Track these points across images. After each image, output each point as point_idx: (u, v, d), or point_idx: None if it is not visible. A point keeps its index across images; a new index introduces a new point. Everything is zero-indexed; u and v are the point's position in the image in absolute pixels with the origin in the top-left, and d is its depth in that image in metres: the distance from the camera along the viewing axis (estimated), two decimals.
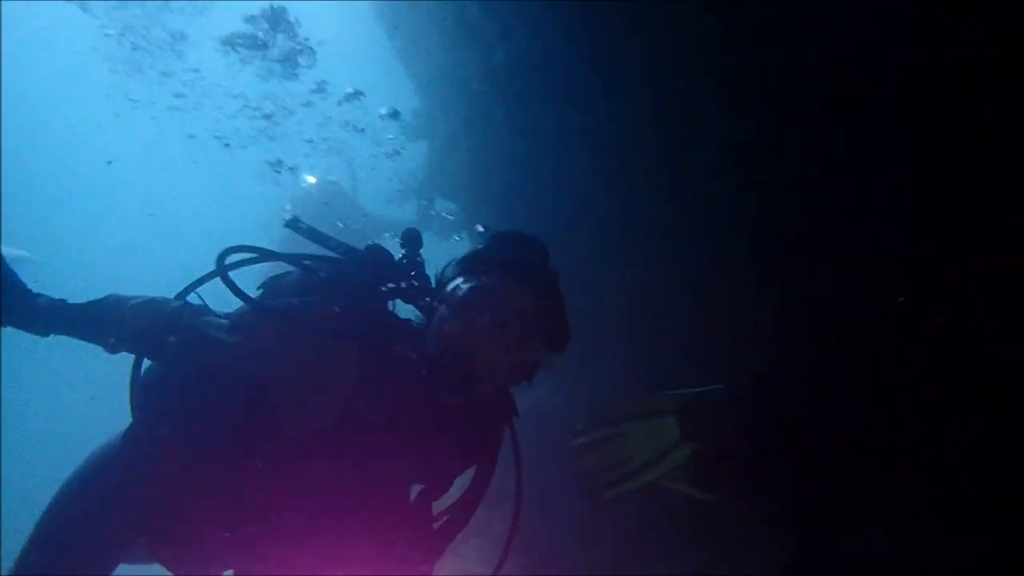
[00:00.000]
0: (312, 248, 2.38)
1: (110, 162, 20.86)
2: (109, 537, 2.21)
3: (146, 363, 2.25)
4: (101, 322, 2.12)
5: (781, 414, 3.38)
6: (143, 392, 2.20)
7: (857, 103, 3.17)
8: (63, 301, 2.16)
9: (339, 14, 11.93)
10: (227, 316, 2.18)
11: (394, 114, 8.82)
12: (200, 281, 2.26)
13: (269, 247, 2.30)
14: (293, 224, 2.44)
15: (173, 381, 2.18)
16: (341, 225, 9.43)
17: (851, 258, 3.32)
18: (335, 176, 10.97)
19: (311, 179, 10.80)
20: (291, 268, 2.34)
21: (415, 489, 2.25)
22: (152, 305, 2.16)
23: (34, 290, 2.13)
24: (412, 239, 2.39)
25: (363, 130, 10.72)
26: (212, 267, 2.15)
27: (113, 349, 2.16)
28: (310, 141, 11.58)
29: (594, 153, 5.06)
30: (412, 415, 2.10)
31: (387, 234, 9.75)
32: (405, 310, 2.33)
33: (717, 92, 3.91)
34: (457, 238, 8.63)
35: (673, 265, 4.49)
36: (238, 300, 2.15)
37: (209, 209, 23.66)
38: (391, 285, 2.27)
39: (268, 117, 11.15)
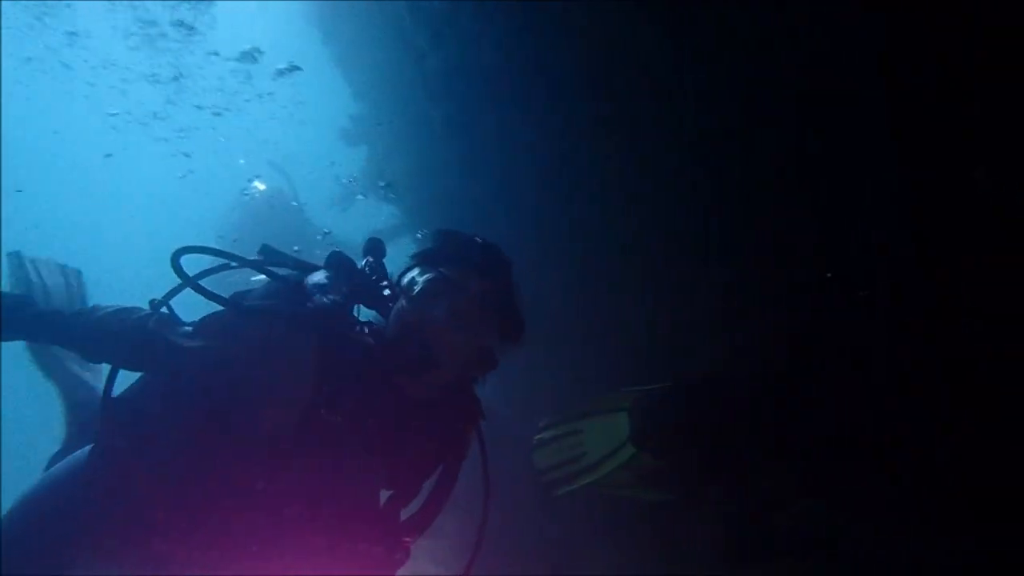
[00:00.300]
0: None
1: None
2: (62, 547, 2.18)
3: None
4: (75, 333, 2.17)
5: (725, 408, 3.50)
6: (109, 402, 2.19)
7: (796, 101, 3.29)
8: (54, 311, 2.22)
9: (274, 21, 11.81)
10: (192, 324, 2.18)
11: (291, 69, 8.73)
12: (175, 291, 2.25)
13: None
14: (266, 252, 2.42)
15: (139, 393, 2.18)
16: (297, 248, 9.31)
17: (799, 256, 3.43)
18: (276, 184, 10.85)
19: (260, 186, 10.63)
20: (255, 285, 2.33)
21: (384, 496, 2.24)
22: (120, 315, 2.19)
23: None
24: (375, 247, 2.41)
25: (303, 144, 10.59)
26: (164, 263, 2.17)
27: (90, 358, 2.21)
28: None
29: (534, 156, 5.12)
30: (375, 414, 2.11)
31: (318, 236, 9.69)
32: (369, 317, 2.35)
33: (655, 92, 3.99)
34: (362, 196, 8.54)
35: (615, 266, 4.58)
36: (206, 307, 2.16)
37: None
38: (353, 290, 2.28)
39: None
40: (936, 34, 2.77)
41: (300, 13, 9.31)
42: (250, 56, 9.76)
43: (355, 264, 2.37)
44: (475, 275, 2.19)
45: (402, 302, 2.17)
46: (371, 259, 2.39)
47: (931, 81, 2.85)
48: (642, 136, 4.20)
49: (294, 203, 10.48)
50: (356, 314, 2.30)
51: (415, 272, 2.19)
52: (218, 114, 11.44)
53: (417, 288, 2.15)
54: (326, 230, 9.62)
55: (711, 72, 3.65)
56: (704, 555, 3.75)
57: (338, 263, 2.33)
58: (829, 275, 3.21)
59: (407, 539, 2.19)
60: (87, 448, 2.28)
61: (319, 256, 2.43)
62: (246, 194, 10.49)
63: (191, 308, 2.23)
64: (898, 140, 3.05)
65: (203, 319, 2.17)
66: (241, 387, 2.04)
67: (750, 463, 3.40)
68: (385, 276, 2.36)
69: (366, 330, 2.21)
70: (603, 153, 4.51)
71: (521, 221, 5.26)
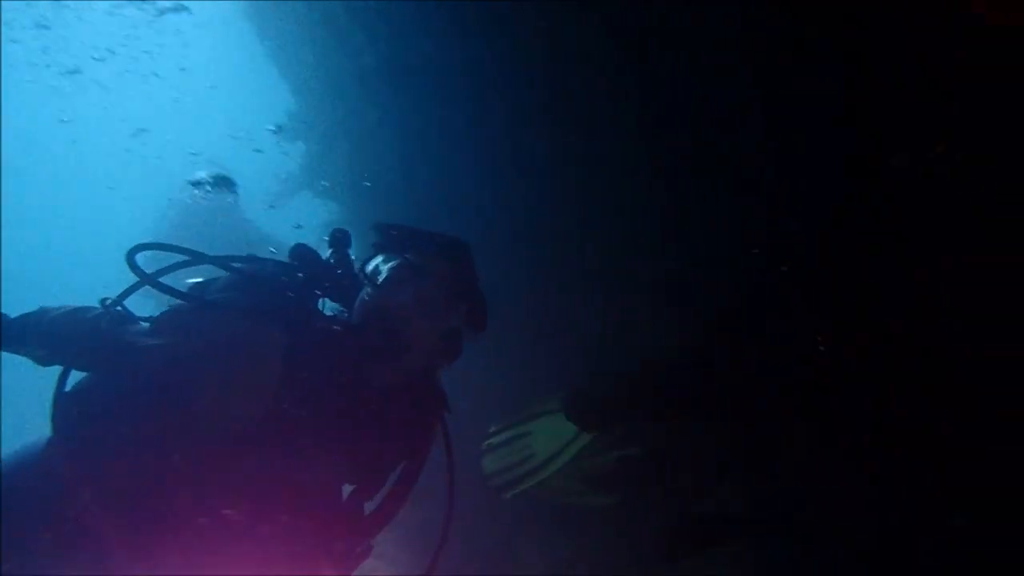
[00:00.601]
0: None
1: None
2: (13, 538, 2.13)
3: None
4: (27, 335, 2.10)
5: (651, 383, 3.61)
6: (63, 400, 2.13)
7: (744, 98, 3.39)
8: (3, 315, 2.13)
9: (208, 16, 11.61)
10: (149, 320, 2.14)
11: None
12: (131, 289, 2.21)
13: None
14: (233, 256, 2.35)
15: (92, 388, 2.13)
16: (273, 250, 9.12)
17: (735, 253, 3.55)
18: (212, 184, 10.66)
19: (202, 179, 10.42)
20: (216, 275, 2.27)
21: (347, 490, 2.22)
22: (73, 315, 2.13)
23: None
24: (340, 239, 2.37)
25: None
26: (119, 263, 2.14)
27: (42, 362, 2.12)
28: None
29: (474, 152, 5.16)
30: (340, 408, 2.09)
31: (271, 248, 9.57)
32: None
33: (594, 86, 4.06)
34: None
35: (558, 263, 4.66)
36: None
37: None
38: (319, 286, 2.25)
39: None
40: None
41: (236, 12, 9.19)
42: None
43: (319, 256, 2.33)
44: (439, 260, 2.20)
45: (368, 290, 2.17)
46: (336, 251, 2.35)
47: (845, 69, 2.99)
48: (581, 131, 4.29)
49: (230, 200, 10.33)
50: (321, 307, 2.27)
51: (379, 260, 2.19)
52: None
53: (382, 275, 2.16)
54: (298, 224, 9.47)
55: (649, 68, 3.75)
56: (645, 553, 3.83)
57: (302, 255, 2.29)
58: (755, 250, 3.32)
59: (369, 535, 2.17)
60: (45, 437, 2.20)
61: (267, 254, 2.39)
62: (197, 187, 10.26)
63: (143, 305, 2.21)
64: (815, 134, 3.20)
65: (162, 315, 2.13)
66: (203, 383, 2.00)
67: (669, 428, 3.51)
68: (350, 267, 2.33)
69: (333, 324, 2.18)
70: (545, 149, 4.58)
71: (464, 217, 5.30)
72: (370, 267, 2.19)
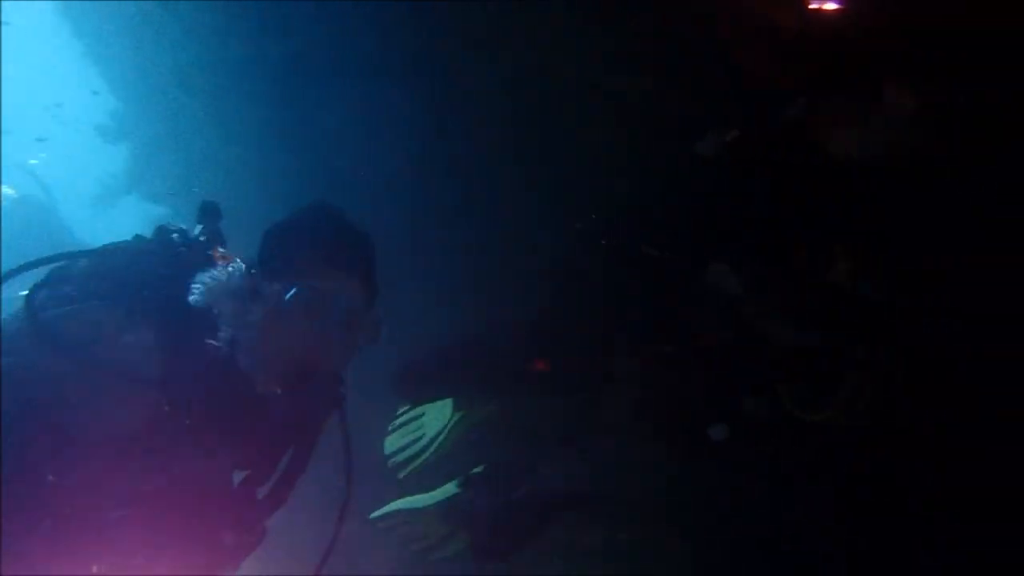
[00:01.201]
0: None
1: None
2: None
3: None
4: None
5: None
6: None
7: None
8: None
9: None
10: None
11: None
12: None
13: None
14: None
15: None
16: None
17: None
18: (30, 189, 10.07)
19: (10, 191, 9.78)
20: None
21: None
22: None
23: None
24: (210, 211, 2.23)
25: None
26: None
27: None
28: None
29: (301, 153, 5.18)
30: (225, 410, 2.00)
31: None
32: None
33: (402, 80, 4.20)
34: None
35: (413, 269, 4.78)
36: None
37: None
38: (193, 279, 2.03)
39: None
40: None
41: (50, 8, 8.76)
42: None
43: (188, 232, 2.18)
44: (341, 278, 2.09)
45: (267, 317, 2.02)
46: (206, 226, 2.21)
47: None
48: (404, 127, 4.40)
49: (46, 203, 9.81)
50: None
51: (277, 286, 2.04)
52: None
53: (285, 305, 2.02)
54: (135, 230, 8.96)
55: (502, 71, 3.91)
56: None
57: (165, 234, 2.15)
58: (578, 226, 3.42)
59: (260, 521, 2.14)
60: None
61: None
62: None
63: None
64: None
65: (6, 326, 1.93)
66: (75, 395, 1.86)
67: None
68: (223, 242, 2.19)
69: (217, 346, 2.00)
70: (372, 145, 4.70)
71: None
72: (268, 291, 2.03)
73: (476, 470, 3.55)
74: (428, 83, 4.09)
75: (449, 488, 3.54)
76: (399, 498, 3.58)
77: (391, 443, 3.70)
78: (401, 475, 3.63)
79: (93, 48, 7.76)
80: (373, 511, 3.54)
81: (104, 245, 2.15)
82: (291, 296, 2.01)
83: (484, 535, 3.48)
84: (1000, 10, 2.37)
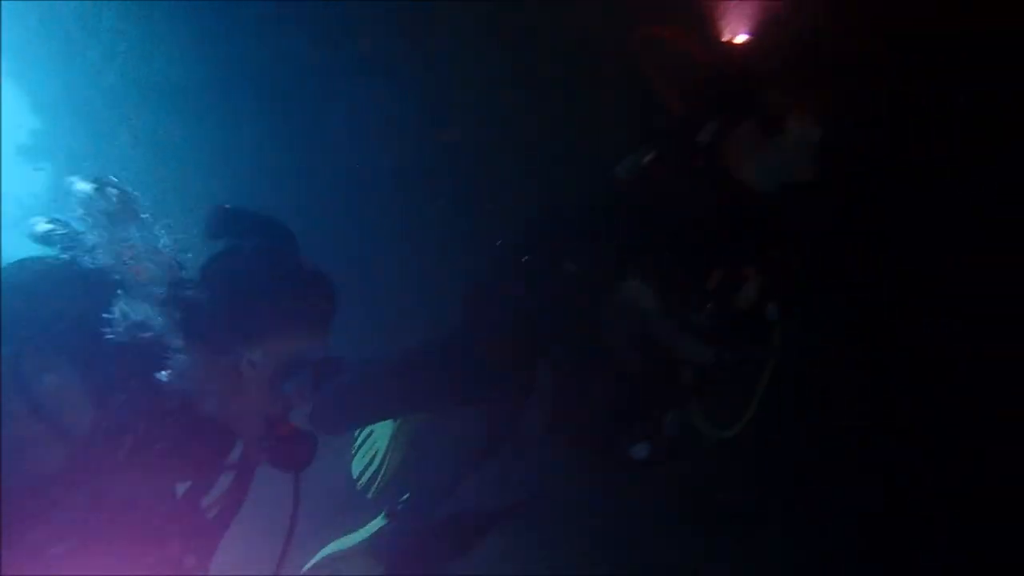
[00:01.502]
0: None
1: None
2: None
3: None
4: None
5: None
6: None
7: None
8: None
9: None
10: None
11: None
12: None
13: None
14: None
15: None
16: None
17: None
18: None
19: None
20: None
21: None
22: None
23: None
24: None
25: None
26: None
27: None
28: None
29: (228, 171, 5.19)
30: (164, 435, 1.93)
31: None
32: None
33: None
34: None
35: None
36: None
37: None
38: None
39: None
40: None
41: None
42: None
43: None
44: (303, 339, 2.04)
45: (204, 384, 1.94)
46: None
47: None
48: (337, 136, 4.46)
49: None
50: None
51: (209, 350, 1.94)
52: None
53: (217, 380, 1.96)
54: None
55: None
56: None
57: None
58: (499, 242, 3.45)
59: (211, 533, 2.12)
60: None
61: None
62: None
63: None
64: None
65: None
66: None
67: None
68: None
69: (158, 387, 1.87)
70: (303, 161, 4.70)
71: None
72: (201, 353, 1.92)
73: (403, 498, 3.55)
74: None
75: (378, 522, 3.53)
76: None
77: (356, 465, 3.73)
78: (370, 495, 3.64)
79: (13, 67, 7.54)
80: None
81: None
82: (225, 363, 1.96)
83: (401, 566, 3.41)
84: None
